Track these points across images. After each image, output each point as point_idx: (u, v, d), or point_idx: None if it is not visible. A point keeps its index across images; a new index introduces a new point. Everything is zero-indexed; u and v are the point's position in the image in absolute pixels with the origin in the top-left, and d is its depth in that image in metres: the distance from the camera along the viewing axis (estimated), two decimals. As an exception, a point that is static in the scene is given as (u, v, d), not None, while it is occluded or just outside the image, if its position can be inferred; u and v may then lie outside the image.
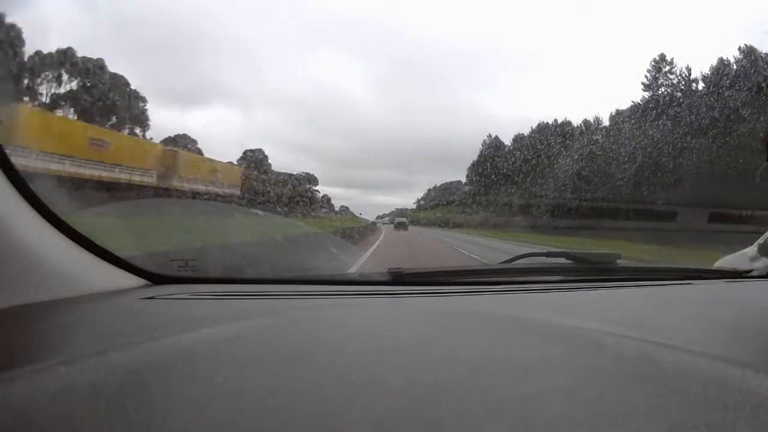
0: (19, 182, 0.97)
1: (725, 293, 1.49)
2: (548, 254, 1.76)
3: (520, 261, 1.63)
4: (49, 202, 1.02)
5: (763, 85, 18.14)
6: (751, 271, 1.70)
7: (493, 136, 31.77)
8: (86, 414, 0.42)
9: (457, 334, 0.74)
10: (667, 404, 0.45)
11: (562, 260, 1.60)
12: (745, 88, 19.23)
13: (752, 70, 19.75)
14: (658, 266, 1.95)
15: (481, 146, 32.49)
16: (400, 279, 1.34)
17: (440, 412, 0.43)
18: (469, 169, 32.62)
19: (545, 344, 0.68)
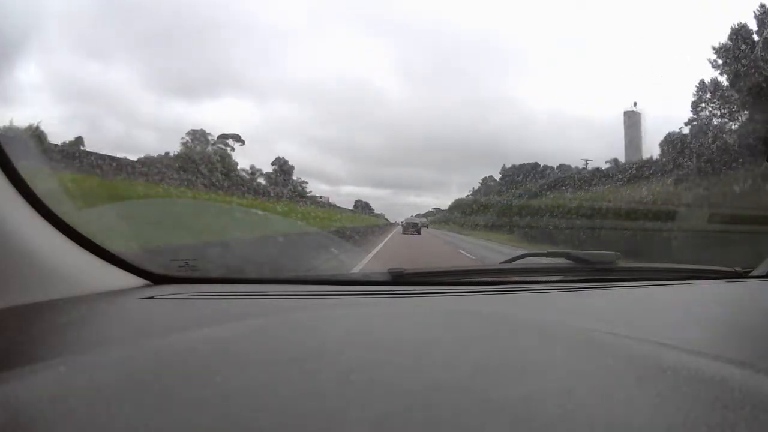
0: (19, 182, 0.96)
1: (725, 293, 1.49)
2: (548, 254, 1.76)
3: (520, 261, 1.63)
4: (49, 202, 1.02)
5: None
6: (750, 271, 1.71)
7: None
8: (86, 414, 0.42)
9: (458, 335, 0.74)
10: (667, 404, 0.45)
11: (562, 260, 1.60)
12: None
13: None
14: (658, 266, 1.94)
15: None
16: (400, 279, 1.34)
17: (440, 413, 0.43)
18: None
19: (545, 344, 0.68)
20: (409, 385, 0.49)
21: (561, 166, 22.35)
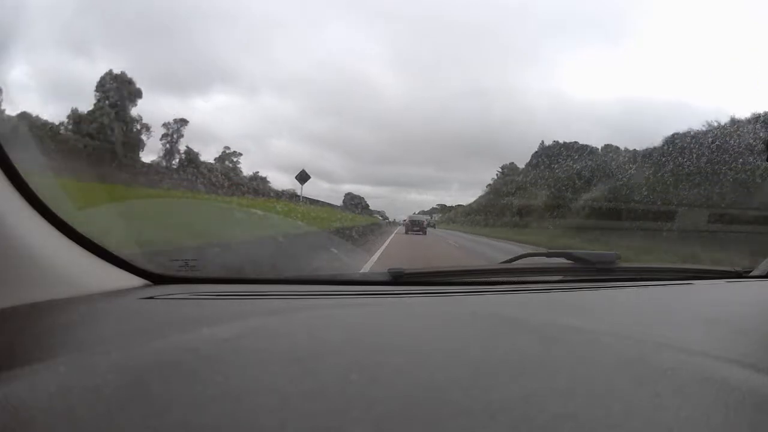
0: (19, 182, 0.96)
1: (725, 293, 1.49)
2: (548, 254, 1.76)
3: (520, 261, 1.63)
4: (49, 201, 1.02)
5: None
6: (751, 271, 1.71)
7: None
8: (86, 414, 0.42)
9: (457, 335, 0.74)
10: (667, 404, 0.45)
11: (562, 260, 1.60)
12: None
13: None
14: (658, 266, 1.95)
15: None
16: (400, 279, 1.34)
17: (440, 413, 0.43)
18: None
19: (545, 344, 0.68)
20: (410, 384, 0.49)
21: (606, 147, 18.08)
